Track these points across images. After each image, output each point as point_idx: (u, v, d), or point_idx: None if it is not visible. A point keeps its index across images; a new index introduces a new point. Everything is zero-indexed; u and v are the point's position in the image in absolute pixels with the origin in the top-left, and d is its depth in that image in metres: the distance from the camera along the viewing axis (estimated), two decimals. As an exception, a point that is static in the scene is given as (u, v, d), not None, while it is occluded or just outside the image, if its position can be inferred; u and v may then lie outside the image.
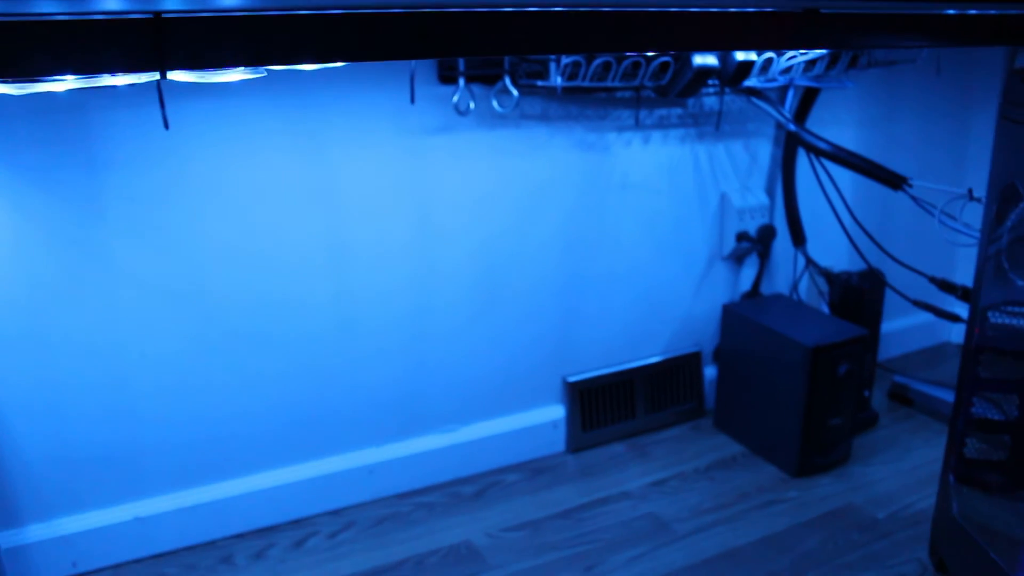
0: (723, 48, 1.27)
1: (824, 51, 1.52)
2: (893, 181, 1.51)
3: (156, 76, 0.61)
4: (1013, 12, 1.07)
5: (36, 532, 1.31)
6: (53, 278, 1.22)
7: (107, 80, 0.68)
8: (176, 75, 0.65)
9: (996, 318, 1.26)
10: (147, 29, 0.63)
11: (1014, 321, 1.25)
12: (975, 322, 1.25)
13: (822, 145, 1.57)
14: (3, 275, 1.20)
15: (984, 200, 1.23)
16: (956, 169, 2.03)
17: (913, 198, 1.50)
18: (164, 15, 0.63)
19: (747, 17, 0.97)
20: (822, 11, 0.99)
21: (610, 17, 0.86)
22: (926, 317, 1.77)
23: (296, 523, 1.48)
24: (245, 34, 0.65)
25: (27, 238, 1.19)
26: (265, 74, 0.71)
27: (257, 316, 1.37)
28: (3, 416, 1.25)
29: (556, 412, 1.68)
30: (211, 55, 0.65)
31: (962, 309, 1.45)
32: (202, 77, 0.66)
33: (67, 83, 0.68)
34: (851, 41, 1.15)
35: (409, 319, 1.49)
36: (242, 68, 0.66)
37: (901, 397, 1.89)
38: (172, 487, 1.39)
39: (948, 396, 1.80)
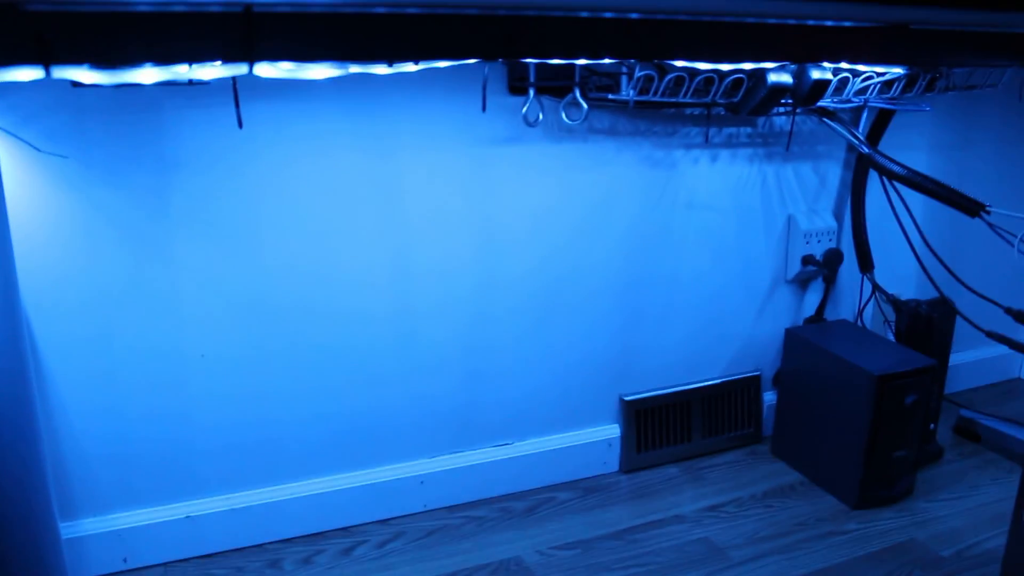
0: (810, 60, 1.24)
1: (902, 72, 1.49)
2: (971, 207, 1.46)
3: (244, 69, 0.60)
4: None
5: (90, 525, 1.32)
6: (121, 277, 1.24)
7: (194, 72, 0.68)
8: (262, 69, 0.65)
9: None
10: (237, 22, 0.63)
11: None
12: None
13: (897, 169, 1.53)
14: (80, 273, 1.21)
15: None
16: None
17: (990, 225, 1.45)
18: (254, 8, 0.62)
19: (836, 32, 0.95)
20: (912, 27, 0.96)
21: (700, 27, 0.85)
22: (997, 350, 1.71)
23: (345, 530, 1.47)
24: (333, 30, 0.65)
25: (100, 236, 1.20)
26: (346, 72, 0.70)
27: (317, 325, 1.37)
28: (64, 413, 1.26)
29: (611, 431, 1.66)
30: (299, 49, 0.65)
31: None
32: (288, 72, 0.66)
33: (155, 74, 0.68)
34: (940, 58, 1.12)
35: (467, 332, 1.48)
36: (329, 64, 0.66)
37: (968, 432, 1.83)
38: (224, 488, 1.39)
39: (1019, 433, 1.74)
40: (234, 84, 1.00)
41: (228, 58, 0.63)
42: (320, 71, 0.68)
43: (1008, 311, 1.53)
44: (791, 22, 0.93)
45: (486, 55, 0.78)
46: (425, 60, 0.72)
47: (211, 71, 0.67)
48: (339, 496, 1.46)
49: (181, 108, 1.19)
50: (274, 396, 1.38)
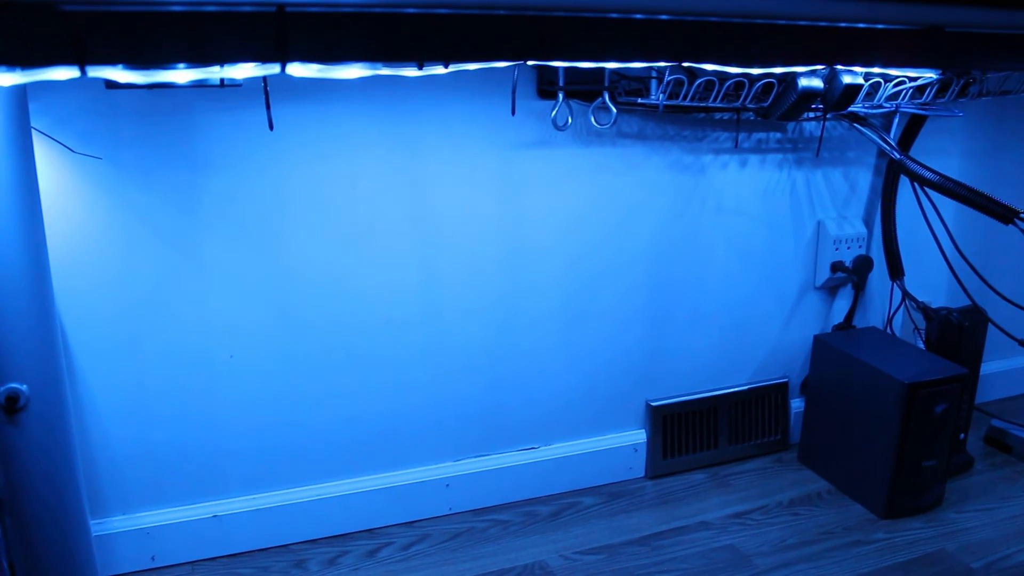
0: (842, 63, 1.23)
1: (935, 77, 1.47)
2: (1005, 214, 1.44)
3: (276, 69, 0.61)
4: None
5: (119, 523, 1.33)
6: (152, 279, 1.25)
7: (226, 72, 0.69)
8: (294, 69, 0.65)
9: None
10: (271, 21, 0.63)
11: None
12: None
13: (929, 175, 1.51)
14: (112, 275, 1.23)
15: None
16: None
17: (1024, 233, 1.43)
18: (287, 8, 0.63)
19: (868, 34, 0.94)
20: (946, 30, 0.95)
21: (733, 28, 0.84)
22: (1026, 360, 1.69)
23: (370, 532, 1.47)
24: (364, 30, 0.65)
25: (133, 237, 1.22)
26: (376, 74, 0.71)
27: (344, 329, 1.38)
28: (96, 414, 1.28)
29: (637, 436, 1.65)
30: (331, 49, 0.65)
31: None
32: (320, 72, 0.66)
33: (188, 74, 0.68)
34: (974, 62, 1.11)
35: (494, 336, 1.48)
36: (360, 65, 0.66)
37: (999, 443, 1.80)
38: (250, 488, 1.40)
39: (1051, 444, 1.72)
40: (265, 85, 1.01)
41: (261, 58, 0.63)
42: (351, 71, 0.68)
43: (1042, 320, 1.51)
44: (823, 23, 0.92)
45: (516, 56, 0.78)
46: (455, 62, 0.72)
47: (243, 71, 0.68)
48: (364, 498, 1.46)
49: (212, 111, 1.20)
50: (301, 400, 1.38)
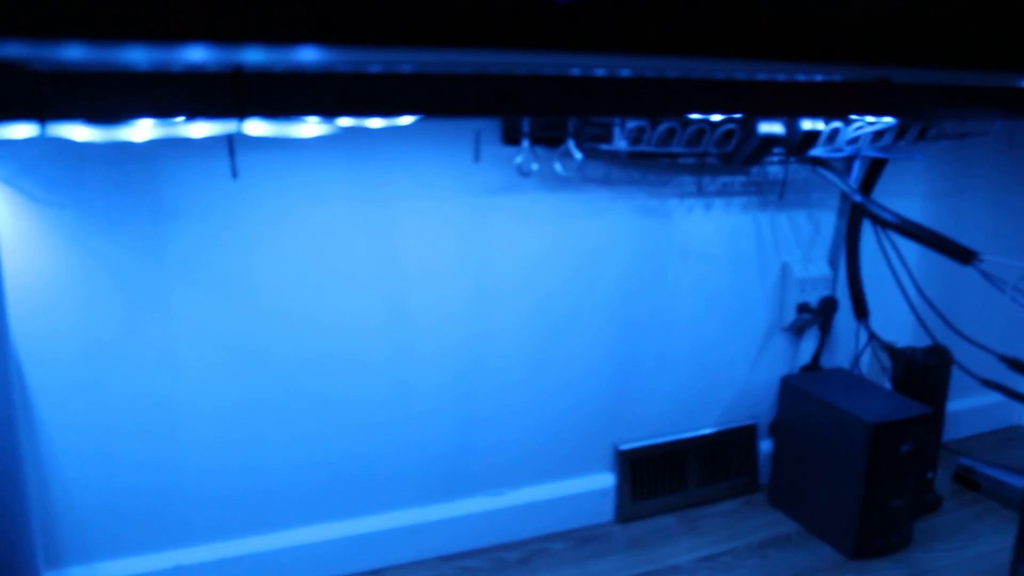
0: (796, 115, 1.25)
1: (893, 122, 1.50)
2: (963, 255, 1.46)
3: (235, 126, 0.61)
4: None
5: (77, 574, 1.30)
6: (116, 325, 1.24)
7: (185, 130, 0.69)
8: (253, 127, 0.65)
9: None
10: (228, 81, 0.64)
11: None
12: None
13: (889, 217, 1.54)
14: (75, 321, 1.21)
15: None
16: (1027, 246, 1.98)
17: (984, 273, 1.46)
18: (244, 70, 0.63)
19: (820, 86, 0.96)
20: (894, 81, 0.97)
21: (685, 84, 0.86)
22: (995, 398, 1.70)
23: (337, 581, 1.46)
24: (320, 89, 0.66)
25: (97, 283, 1.21)
26: (338, 130, 0.71)
27: (311, 374, 1.37)
28: (55, 461, 1.26)
29: (606, 480, 1.65)
30: (288, 107, 0.65)
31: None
32: (278, 130, 0.66)
33: (147, 133, 0.68)
34: (923, 111, 1.13)
35: (461, 379, 1.48)
36: (317, 121, 0.67)
37: (967, 481, 1.82)
38: (214, 537, 1.38)
39: (1019, 482, 1.72)
40: (229, 136, 1.01)
41: (219, 115, 0.64)
42: (310, 129, 0.69)
43: (1003, 359, 1.53)
44: (780, 77, 0.94)
45: (477, 112, 0.79)
46: (417, 115, 0.72)
47: (201, 128, 0.68)
48: (330, 546, 1.45)
49: (178, 158, 1.19)
50: (266, 443, 1.37)
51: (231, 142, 1.03)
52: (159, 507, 1.33)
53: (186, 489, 1.34)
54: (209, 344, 1.30)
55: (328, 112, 0.63)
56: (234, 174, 1.11)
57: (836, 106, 0.99)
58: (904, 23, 0.96)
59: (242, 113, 0.63)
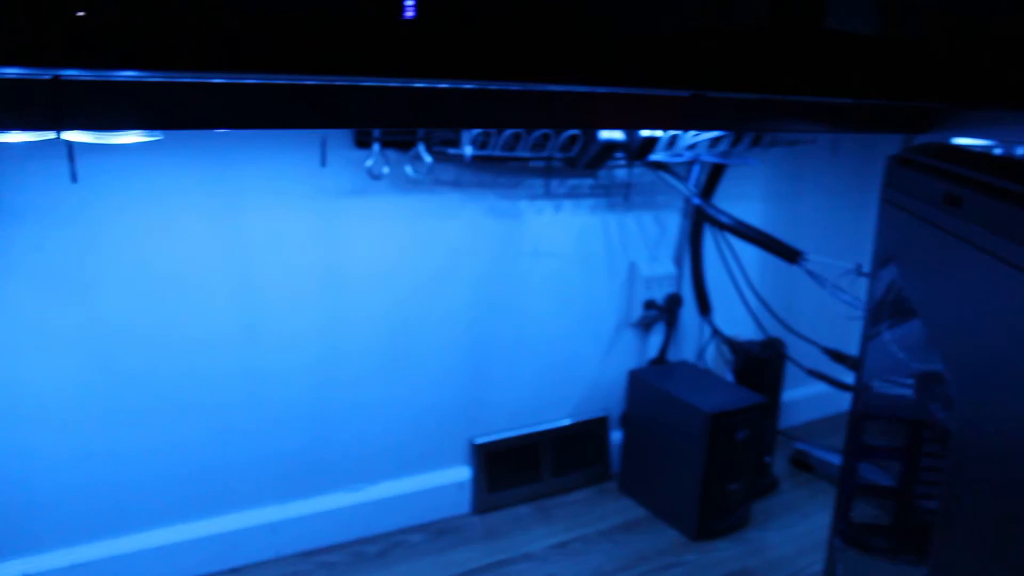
0: (617, 127, 1.33)
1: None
2: (790, 255, 1.58)
3: (53, 135, 0.63)
4: (884, 103, 1.15)
5: (-83, 587, 1.28)
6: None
7: (4, 137, 0.70)
8: (73, 135, 0.67)
9: (880, 387, 1.33)
10: (44, 90, 0.65)
11: (895, 390, 1.32)
12: (860, 390, 1.32)
13: (723, 219, 1.64)
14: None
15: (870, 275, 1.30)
16: (855, 246, 2.12)
17: (809, 272, 1.58)
18: (62, 78, 0.65)
19: (639, 99, 1.03)
20: (708, 96, 1.06)
21: (510, 95, 0.91)
22: (827, 386, 1.83)
23: (194, 581, 1.46)
24: (138, 99, 0.68)
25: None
26: (161, 138, 0.74)
27: (161, 378, 1.36)
28: None
29: (462, 473, 1.70)
30: (106, 118, 0.68)
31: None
32: (99, 138, 0.68)
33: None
34: (736, 124, 1.23)
35: (315, 377, 1.50)
36: (137, 131, 0.69)
37: (802, 464, 1.95)
38: (65, 542, 1.36)
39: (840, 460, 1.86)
40: (68, 143, 1.01)
41: (35, 127, 0.65)
42: (129, 137, 0.71)
43: (826, 351, 1.66)
44: (601, 90, 1.01)
45: (303, 124, 0.83)
46: (239, 127, 0.75)
47: (18, 136, 0.69)
48: (187, 547, 1.45)
49: (19, 158, 1.17)
50: (115, 444, 1.36)
51: (70, 146, 1.03)
52: (5, 518, 1.31)
53: (36, 501, 1.32)
54: (58, 355, 1.27)
55: (142, 126, 0.65)
56: (73, 178, 1.10)
57: (655, 119, 1.07)
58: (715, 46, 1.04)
59: (58, 124, 0.65)
